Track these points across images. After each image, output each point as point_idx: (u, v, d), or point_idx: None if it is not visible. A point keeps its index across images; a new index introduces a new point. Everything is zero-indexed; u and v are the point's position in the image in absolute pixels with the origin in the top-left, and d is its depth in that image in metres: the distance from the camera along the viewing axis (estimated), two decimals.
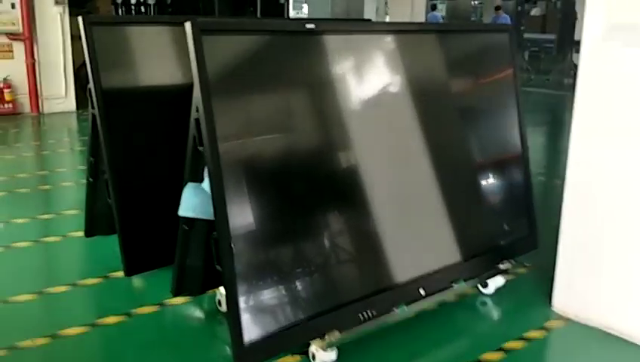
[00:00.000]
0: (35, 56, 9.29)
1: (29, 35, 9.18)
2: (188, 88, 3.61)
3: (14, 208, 5.15)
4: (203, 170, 2.89)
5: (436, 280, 3.24)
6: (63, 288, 3.65)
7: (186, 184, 2.92)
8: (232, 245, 2.47)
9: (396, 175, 3.23)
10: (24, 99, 9.38)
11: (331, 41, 2.90)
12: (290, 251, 2.76)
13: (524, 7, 17.67)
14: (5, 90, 9.17)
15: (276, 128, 2.75)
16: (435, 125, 3.46)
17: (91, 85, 3.35)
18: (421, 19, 14.28)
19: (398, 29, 3.42)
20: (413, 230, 3.28)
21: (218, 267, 2.53)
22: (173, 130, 3.55)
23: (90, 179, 3.79)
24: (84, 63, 3.29)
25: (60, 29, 9.41)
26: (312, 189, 2.85)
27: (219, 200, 2.46)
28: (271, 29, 2.74)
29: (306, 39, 2.80)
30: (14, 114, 9.23)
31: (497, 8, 17.82)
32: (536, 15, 19.43)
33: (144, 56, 3.54)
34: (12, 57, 9.25)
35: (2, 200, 5.37)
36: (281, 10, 13.80)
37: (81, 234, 4.30)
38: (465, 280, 3.42)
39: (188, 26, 2.48)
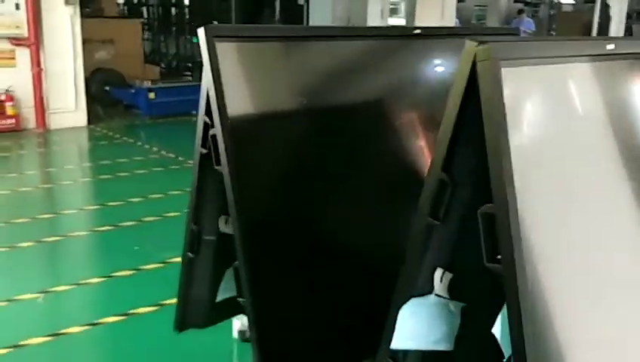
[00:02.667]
0: (42, 65, 8.08)
1: (35, 40, 7.96)
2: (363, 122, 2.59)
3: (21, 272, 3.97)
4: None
5: None
6: None
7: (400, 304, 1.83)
8: None
9: None
10: (29, 114, 8.16)
11: None
12: None
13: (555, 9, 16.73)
14: (7, 104, 7.93)
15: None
16: None
17: (216, 119, 2.22)
18: (451, 23, 13.29)
19: None
20: None
21: None
22: (344, 186, 2.48)
23: (190, 254, 2.67)
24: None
25: (71, 32, 8.22)
26: None
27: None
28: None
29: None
30: (17, 130, 7.99)
31: (520, 12, 16.91)
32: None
33: (293, 80, 2.43)
34: (14, 65, 8.02)
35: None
36: (300, 13, 12.69)
37: (146, 309, 3.24)
38: None
39: (470, 46, 1.41)
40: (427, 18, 13.69)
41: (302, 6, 12.80)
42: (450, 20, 13.31)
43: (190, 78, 12.36)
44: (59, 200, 5.62)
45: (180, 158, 6.92)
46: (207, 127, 2.43)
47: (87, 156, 7.53)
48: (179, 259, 4.13)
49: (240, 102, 2.25)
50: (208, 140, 2.43)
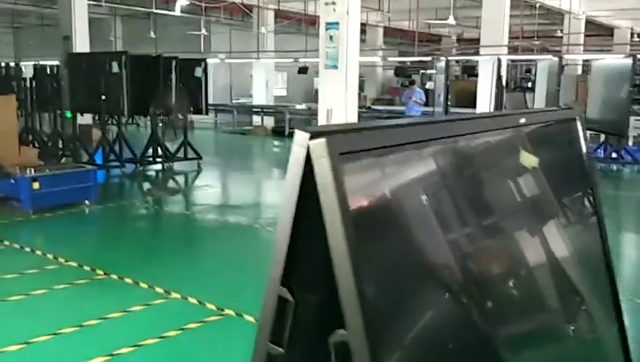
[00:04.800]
0: None
1: None
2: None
3: None
4: None
5: None
6: None
7: None
8: None
9: None
10: None
11: None
12: None
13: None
14: None
15: None
16: None
17: (353, 318, 1.20)
18: (355, 97, 12.75)
19: None
20: None
21: None
22: None
23: None
24: None
25: None
26: None
27: None
28: None
29: None
30: None
31: (412, 83, 16.94)
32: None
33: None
34: None
35: None
36: (199, 86, 11.62)
37: None
38: None
39: None
40: (331, 91, 13.16)
41: (200, 78, 11.81)
42: (354, 93, 12.84)
43: (70, 161, 10.95)
44: None
45: (85, 268, 5.56)
46: (282, 304, 1.40)
47: None
48: None
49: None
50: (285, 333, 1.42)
